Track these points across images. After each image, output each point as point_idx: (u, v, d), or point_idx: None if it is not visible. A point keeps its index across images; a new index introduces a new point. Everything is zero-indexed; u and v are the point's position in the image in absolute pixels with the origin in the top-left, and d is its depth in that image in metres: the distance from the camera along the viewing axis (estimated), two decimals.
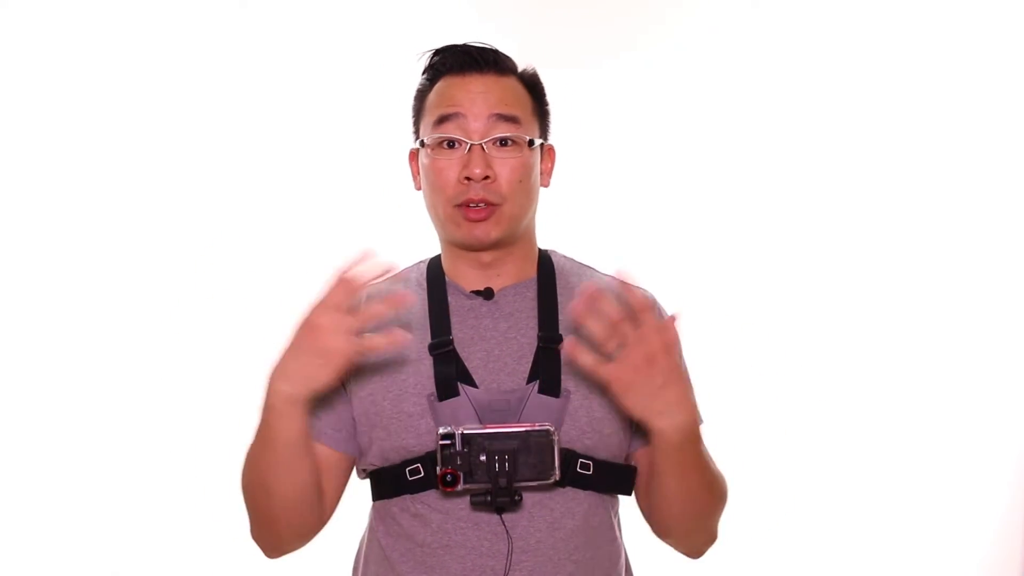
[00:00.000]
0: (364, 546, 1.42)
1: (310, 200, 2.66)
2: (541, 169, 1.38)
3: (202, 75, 2.64)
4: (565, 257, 1.46)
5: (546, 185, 1.41)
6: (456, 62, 1.34)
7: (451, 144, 1.31)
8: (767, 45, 2.71)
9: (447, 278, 1.38)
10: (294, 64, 2.66)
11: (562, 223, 1.63)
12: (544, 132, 1.40)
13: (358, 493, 1.42)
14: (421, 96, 1.38)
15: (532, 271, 1.40)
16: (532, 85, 1.38)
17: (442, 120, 1.31)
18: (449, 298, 1.36)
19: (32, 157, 2.59)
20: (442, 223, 1.35)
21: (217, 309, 2.62)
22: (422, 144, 1.35)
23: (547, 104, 1.41)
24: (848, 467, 2.68)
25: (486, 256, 1.36)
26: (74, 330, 2.59)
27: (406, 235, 1.73)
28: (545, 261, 1.42)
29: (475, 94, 1.31)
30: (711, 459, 1.36)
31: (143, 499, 2.59)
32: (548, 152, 1.41)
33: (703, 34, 2.73)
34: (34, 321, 2.59)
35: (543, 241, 1.45)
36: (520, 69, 1.38)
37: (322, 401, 1.35)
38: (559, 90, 1.44)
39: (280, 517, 1.31)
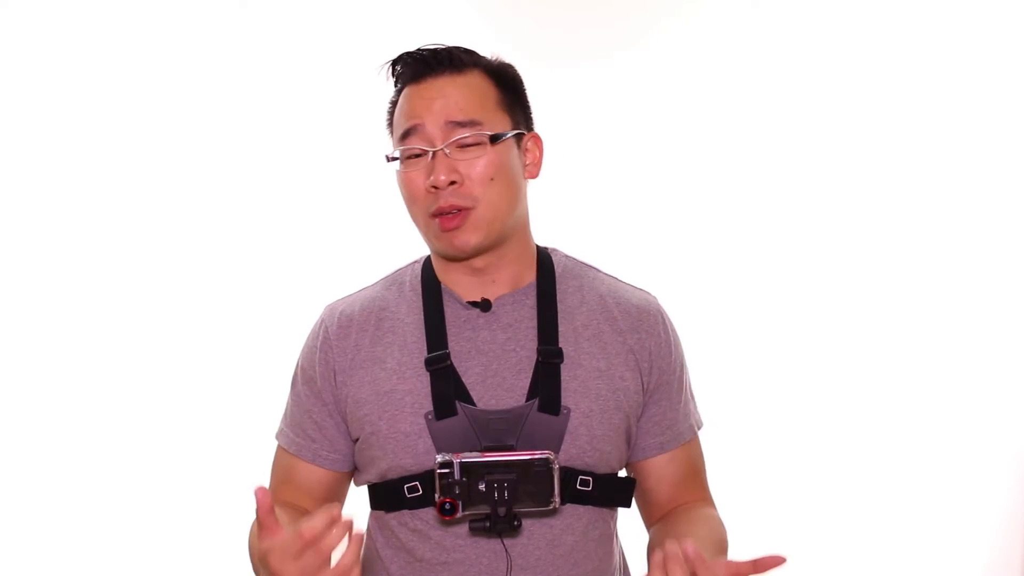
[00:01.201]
0: (363, 552, 1.41)
1: (308, 201, 2.65)
2: (525, 160, 1.33)
3: (202, 75, 2.63)
4: (567, 256, 1.40)
5: (533, 176, 1.35)
6: (411, 71, 1.31)
7: (418, 155, 1.28)
8: (766, 44, 2.70)
9: (442, 285, 1.34)
10: (294, 65, 2.65)
11: (561, 221, 1.63)
12: (520, 122, 1.33)
13: (357, 498, 1.42)
14: (391, 110, 1.35)
15: (531, 275, 1.35)
16: (499, 75, 1.32)
17: (405, 135, 1.28)
18: (445, 307, 1.32)
19: (32, 157, 2.59)
20: (424, 235, 1.32)
21: (215, 310, 2.62)
22: (391, 160, 1.31)
23: (523, 94, 1.35)
24: (849, 468, 2.68)
25: (477, 262, 1.31)
26: (74, 330, 2.59)
27: (402, 237, 1.72)
28: (545, 262, 1.36)
29: (429, 101, 1.27)
30: (718, 525, 1.35)
31: (143, 499, 2.59)
32: (533, 141, 1.35)
33: (701, 34, 2.72)
34: (34, 321, 2.58)
35: (539, 238, 1.40)
36: (486, 61, 1.32)
37: (316, 424, 1.35)
38: (558, 89, 1.41)
39: None
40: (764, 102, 2.70)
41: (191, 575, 2.58)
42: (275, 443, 1.42)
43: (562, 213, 1.62)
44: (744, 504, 2.56)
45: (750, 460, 2.61)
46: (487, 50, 1.35)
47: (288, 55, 2.66)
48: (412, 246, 1.46)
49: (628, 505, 1.36)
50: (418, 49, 1.32)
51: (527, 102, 1.37)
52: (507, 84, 1.33)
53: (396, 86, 1.34)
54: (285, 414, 1.41)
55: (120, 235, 2.61)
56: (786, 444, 2.67)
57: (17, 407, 2.57)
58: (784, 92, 2.69)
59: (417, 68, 1.30)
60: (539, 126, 1.40)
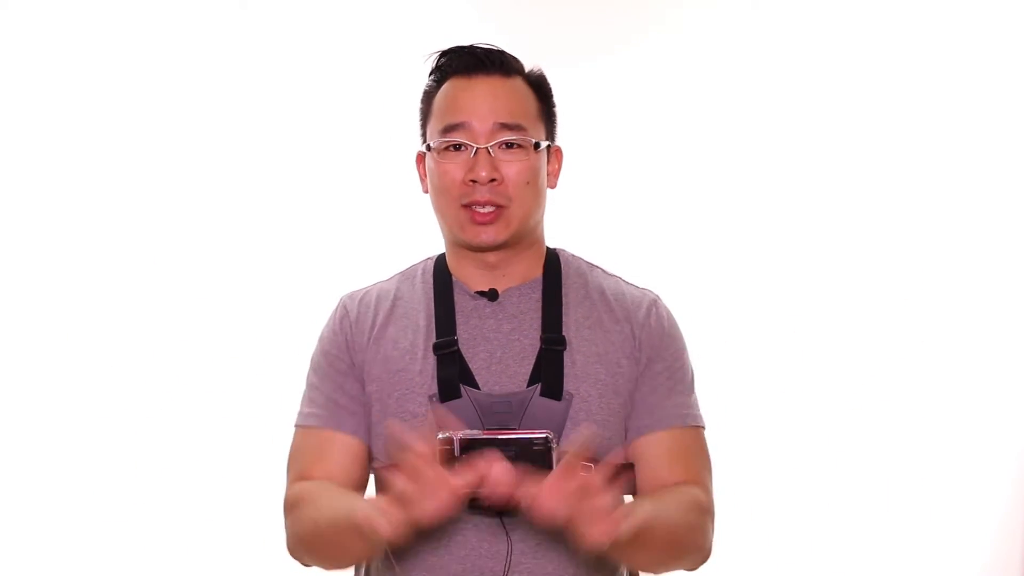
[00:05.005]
0: None
1: (313, 202, 2.66)
2: (548, 171, 1.39)
3: (202, 77, 2.63)
4: (573, 256, 1.46)
5: (552, 187, 1.42)
6: (462, 64, 1.36)
7: (457, 147, 1.33)
8: (768, 42, 2.71)
9: (453, 277, 1.40)
10: (294, 65, 2.66)
11: (562, 219, 1.63)
12: (550, 134, 1.41)
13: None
14: (428, 98, 1.39)
15: (538, 271, 1.41)
16: (538, 86, 1.39)
17: (448, 129, 1.33)
18: (454, 297, 1.37)
19: (32, 157, 2.59)
20: (449, 226, 1.36)
21: (221, 311, 2.62)
22: (428, 148, 1.36)
23: (554, 106, 1.42)
24: (849, 468, 2.68)
25: (492, 257, 1.37)
26: (74, 330, 2.59)
27: (411, 235, 1.73)
28: (552, 260, 1.42)
29: (480, 100, 1.33)
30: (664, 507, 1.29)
31: (144, 500, 2.59)
32: (555, 153, 1.42)
33: (703, 30, 2.73)
34: (34, 321, 2.58)
35: (548, 239, 1.45)
36: (527, 71, 1.39)
37: (349, 396, 1.37)
38: (557, 87, 1.44)
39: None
40: (767, 100, 2.70)
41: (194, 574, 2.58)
42: (282, 440, 1.42)
43: (563, 212, 1.63)
44: (744, 503, 2.57)
45: (751, 459, 2.61)
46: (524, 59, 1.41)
47: (289, 55, 2.66)
48: (423, 245, 1.49)
49: (633, 492, 1.37)
50: (471, 45, 1.37)
51: (555, 114, 1.43)
52: (544, 96, 1.40)
53: (434, 77, 1.39)
54: (307, 400, 1.41)
55: (128, 236, 2.61)
56: (787, 444, 2.67)
57: (20, 405, 2.57)
58: (787, 89, 2.70)
59: (469, 63, 1.35)
60: None
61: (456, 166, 1.32)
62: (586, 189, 2.59)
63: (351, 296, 1.44)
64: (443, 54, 1.39)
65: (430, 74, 1.39)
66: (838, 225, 2.71)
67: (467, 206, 1.32)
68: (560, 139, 1.44)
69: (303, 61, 2.66)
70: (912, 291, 2.69)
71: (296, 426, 1.41)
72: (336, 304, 1.45)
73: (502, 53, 1.37)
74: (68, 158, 2.60)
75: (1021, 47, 2.66)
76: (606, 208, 2.68)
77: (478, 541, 1.29)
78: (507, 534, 1.28)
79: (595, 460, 1.28)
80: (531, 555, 1.29)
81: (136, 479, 2.58)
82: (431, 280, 1.40)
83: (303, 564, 1.36)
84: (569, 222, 1.81)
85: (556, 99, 1.43)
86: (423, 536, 1.29)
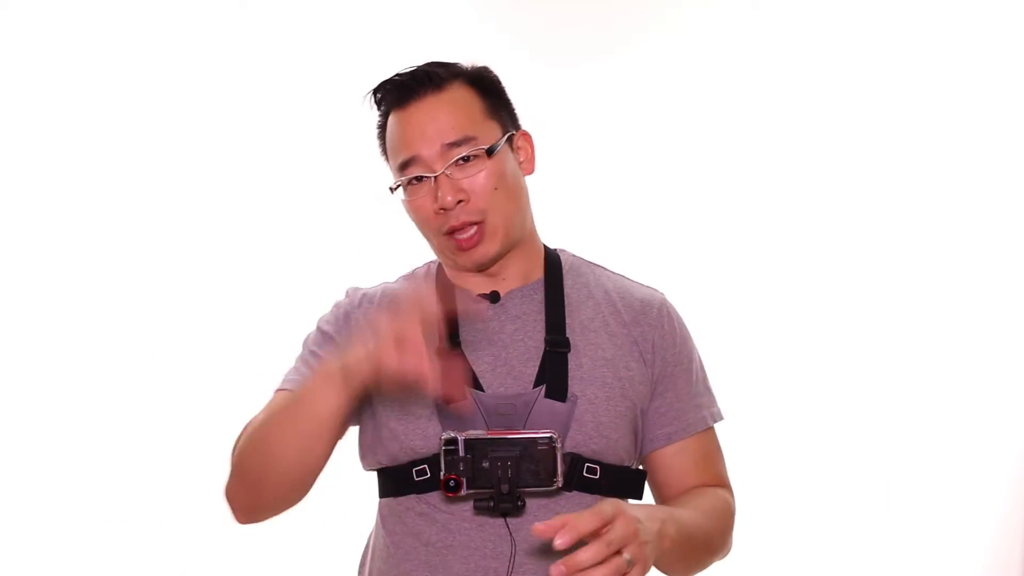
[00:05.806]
0: (371, 542, 1.42)
1: (311, 202, 2.66)
2: (519, 159, 1.37)
3: (202, 77, 2.63)
4: (575, 256, 1.45)
5: (529, 172, 1.39)
6: (393, 97, 1.34)
7: (419, 178, 1.31)
8: (768, 43, 2.71)
9: (454, 282, 1.39)
10: (294, 65, 2.66)
11: (563, 219, 1.63)
12: (507, 123, 1.37)
13: (366, 490, 1.42)
14: (382, 133, 1.38)
15: (539, 272, 1.39)
16: (479, 82, 1.35)
17: (403, 166, 1.32)
18: (457, 300, 1.36)
19: (32, 157, 2.59)
20: (440, 253, 1.37)
21: (217, 311, 2.62)
22: (395, 189, 1.35)
23: (504, 94, 1.38)
24: (849, 468, 2.68)
25: (490, 267, 1.36)
26: (73, 330, 2.59)
27: (405, 238, 1.73)
28: (552, 260, 1.41)
29: (419, 128, 1.30)
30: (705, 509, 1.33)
31: (143, 500, 2.58)
32: (522, 139, 1.39)
33: (703, 30, 2.73)
34: (34, 321, 2.58)
35: (543, 237, 1.43)
36: (466, 68, 1.35)
37: None
38: (557, 87, 1.43)
39: (271, 485, 1.29)
40: (766, 99, 2.71)
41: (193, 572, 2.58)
42: None
43: (564, 211, 1.63)
44: (745, 503, 2.56)
45: (750, 458, 2.60)
46: (461, 57, 1.37)
47: (289, 55, 2.66)
48: (422, 248, 1.47)
49: (639, 497, 1.37)
50: (395, 75, 1.34)
51: (509, 101, 1.40)
52: (489, 89, 1.36)
53: (380, 110, 1.37)
54: (293, 370, 1.40)
55: (121, 237, 2.61)
56: (787, 443, 2.67)
57: (19, 407, 2.57)
58: (786, 88, 2.70)
59: (399, 94, 1.33)
60: (540, 125, 1.42)
61: (423, 198, 1.31)
62: (586, 189, 2.60)
63: (355, 291, 1.42)
64: (375, 91, 1.36)
65: (378, 110, 1.37)
66: (837, 225, 2.71)
67: (448, 234, 1.31)
68: (560, 139, 1.42)
69: (303, 62, 2.66)
70: (912, 291, 2.70)
71: (276, 391, 1.38)
72: (343, 295, 1.43)
73: (428, 69, 1.33)
74: (66, 158, 2.60)
75: (1021, 47, 2.66)
76: (606, 207, 2.68)
77: (482, 541, 1.28)
78: (511, 534, 1.27)
79: (599, 461, 1.31)
80: (535, 556, 1.28)
81: (132, 479, 2.58)
82: (433, 284, 1.39)
83: (234, 508, 1.32)
84: (569, 222, 1.81)
85: (555, 99, 1.42)
86: (425, 538, 1.31)
